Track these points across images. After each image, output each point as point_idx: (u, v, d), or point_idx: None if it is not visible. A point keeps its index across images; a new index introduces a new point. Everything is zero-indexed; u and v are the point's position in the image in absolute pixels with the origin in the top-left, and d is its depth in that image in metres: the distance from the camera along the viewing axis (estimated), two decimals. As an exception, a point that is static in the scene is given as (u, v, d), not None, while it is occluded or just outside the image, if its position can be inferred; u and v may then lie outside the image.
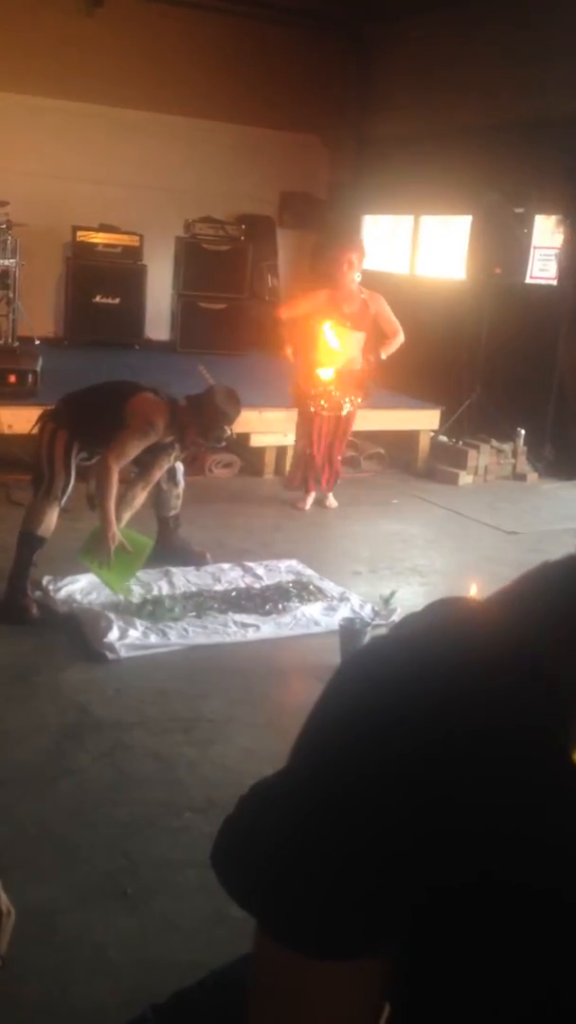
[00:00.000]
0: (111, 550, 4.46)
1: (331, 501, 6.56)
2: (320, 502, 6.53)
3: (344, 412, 6.34)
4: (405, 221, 10.25)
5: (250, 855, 0.62)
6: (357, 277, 6.13)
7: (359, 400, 6.37)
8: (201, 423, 4.64)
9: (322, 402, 6.26)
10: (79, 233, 9.59)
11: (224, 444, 5.24)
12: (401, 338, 6.30)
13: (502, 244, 7.72)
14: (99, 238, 9.66)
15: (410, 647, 0.59)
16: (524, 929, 0.53)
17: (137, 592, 4.71)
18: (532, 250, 7.67)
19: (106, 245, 9.69)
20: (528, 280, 7.91)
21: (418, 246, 10.04)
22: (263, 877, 0.60)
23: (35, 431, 4.74)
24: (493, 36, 8.63)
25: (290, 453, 7.31)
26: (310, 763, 0.59)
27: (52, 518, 4.57)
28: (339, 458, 6.51)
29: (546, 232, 7.53)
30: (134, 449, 4.47)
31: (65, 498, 4.62)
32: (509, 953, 0.54)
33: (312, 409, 6.30)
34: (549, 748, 0.52)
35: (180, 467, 5.20)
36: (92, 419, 4.55)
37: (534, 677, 0.53)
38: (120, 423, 4.47)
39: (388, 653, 0.60)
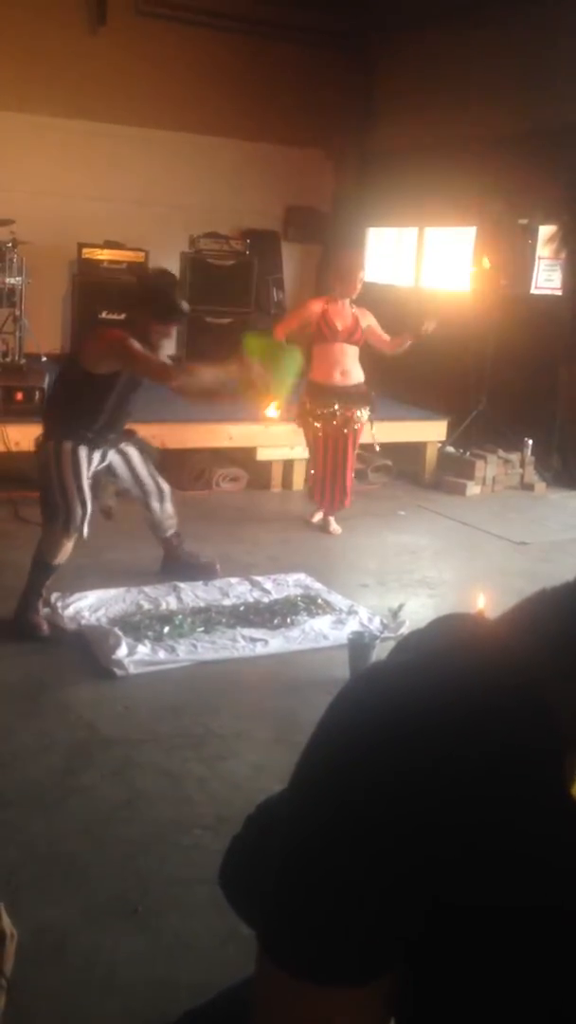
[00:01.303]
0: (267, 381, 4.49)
1: (334, 527, 6.33)
2: (323, 528, 6.35)
3: (346, 430, 6.16)
4: (410, 233, 10.26)
5: (254, 877, 0.62)
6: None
7: (364, 416, 6.20)
8: (152, 312, 4.46)
9: (324, 422, 6.12)
10: (84, 250, 9.63)
11: (182, 316, 4.85)
12: (400, 338, 6.16)
13: (507, 255, 7.73)
14: (104, 255, 9.69)
15: (410, 674, 0.59)
16: (524, 949, 0.53)
17: (145, 608, 4.71)
18: (537, 261, 7.68)
19: (111, 262, 9.72)
20: (533, 291, 7.91)
21: (423, 258, 10.05)
22: (265, 901, 0.60)
23: (36, 456, 4.64)
24: (495, 48, 8.67)
25: (298, 467, 7.32)
26: (308, 788, 0.59)
27: (69, 548, 4.54)
28: (344, 480, 6.23)
29: (549, 243, 7.53)
30: (142, 352, 4.32)
31: (86, 529, 4.52)
32: (510, 973, 0.54)
33: (317, 426, 6.15)
34: (548, 777, 0.51)
35: (167, 488, 5.10)
36: (78, 399, 4.42)
37: (534, 706, 0.52)
38: (102, 380, 4.37)
39: (388, 680, 0.60)
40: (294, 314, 6.37)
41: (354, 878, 0.55)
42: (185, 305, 4.72)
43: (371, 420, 6.24)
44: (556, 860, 0.52)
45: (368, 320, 6.10)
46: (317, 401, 6.11)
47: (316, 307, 6.09)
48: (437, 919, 0.55)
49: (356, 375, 6.14)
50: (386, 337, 6.15)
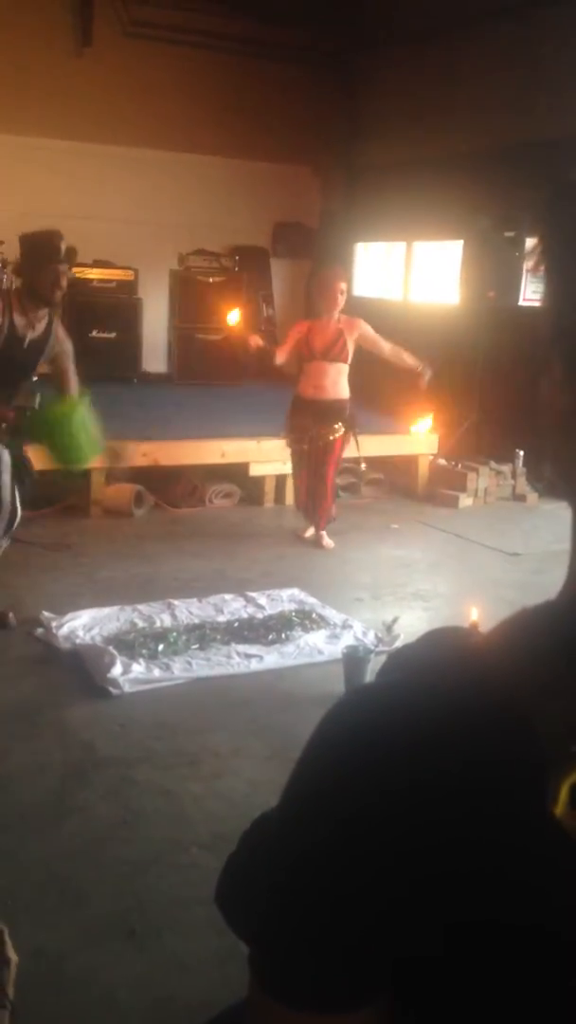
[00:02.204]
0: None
1: (327, 541, 6.30)
2: (316, 542, 6.33)
3: (323, 443, 6.14)
4: (398, 248, 10.31)
5: (248, 897, 0.61)
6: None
7: (341, 431, 6.16)
8: (31, 260, 4.39)
9: (300, 434, 6.17)
10: (73, 269, 9.65)
11: (58, 255, 4.66)
12: (404, 354, 6.20)
13: (494, 268, 7.77)
14: (94, 274, 9.73)
15: (396, 694, 0.59)
16: (516, 968, 0.53)
17: (140, 626, 4.70)
18: (524, 273, 7.72)
19: (101, 280, 9.75)
20: (521, 303, 7.95)
21: (411, 272, 10.10)
22: (253, 925, 0.60)
23: None
24: (479, 63, 8.74)
25: (291, 482, 7.32)
26: (296, 808, 0.59)
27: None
28: (325, 491, 6.22)
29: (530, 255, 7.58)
30: None
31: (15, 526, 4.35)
32: (505, 992, 0.53)
33: (296, 439, 6.22)
34: (531, 795, 0.51)
35: (19, 517, 4.60)
36: None
37: (518, 725, 0.53)
38: None
39: (374, 700, 0.60)
40: (288, 337, 6.34)
41: (342, 900, 0.55)
42: (63, 245, 4.54)
43: (353, 435, 6.21)
44: (538, 879, 0.52)
45: (359, 330, 6.07)
46: (295, 416, 6.20)
47: (302, 328, 6.16)
48: (426, 940, 0.54)
49: (333, 391, 6.11)
50: (385, 346, 6.15)
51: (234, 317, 6.11)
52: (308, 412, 6.13)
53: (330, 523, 6.38)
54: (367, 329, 6.11)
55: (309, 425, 6.12)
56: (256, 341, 6.32)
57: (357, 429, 6.27)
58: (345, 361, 6.08)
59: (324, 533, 6.33)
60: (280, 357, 6.19)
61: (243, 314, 5.86)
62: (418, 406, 6.29)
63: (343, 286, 6.05)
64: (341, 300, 6.00)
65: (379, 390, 7.78)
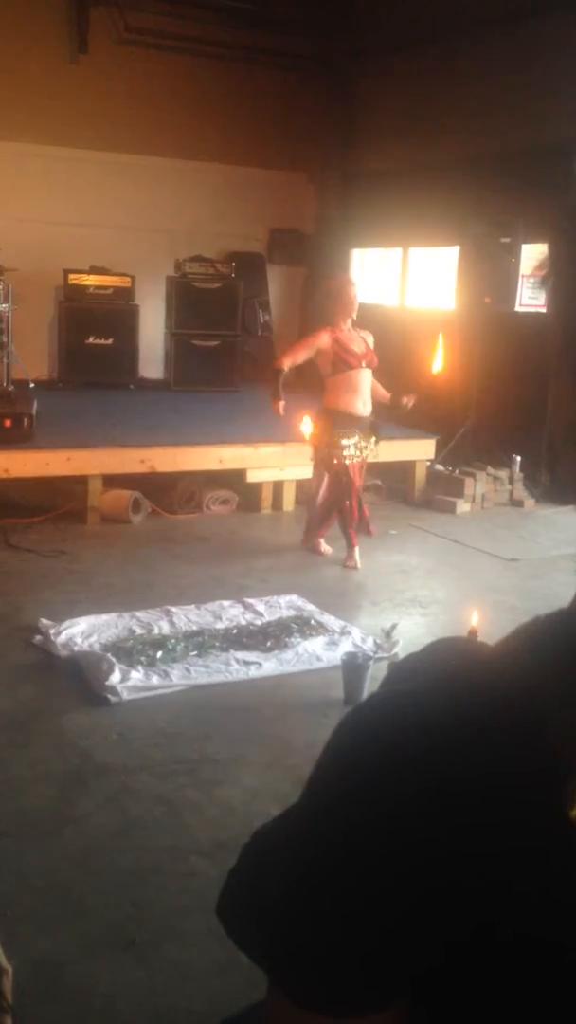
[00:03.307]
0: None
1: (356, 560, 6.02)
2: (342, 561, 6.04)
3: (357, 460, 5.94)
4: (394, 254, 10.33)
5: (254, 910, 0.61)
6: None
7: (371, 446, 5.97)
8: None
9: (345, 453, 5.85)
10: (70, 276, 9.67)
11: None
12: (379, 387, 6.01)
13: (490, 274, 7.78)
14: (90, 280, 9.73)
15: (411, 702, 0.59)
16: (532, 980, 0.53)
17: (138, 633, 4.69)
18: (520, 279, 7.73)
19: (97, 287, 9.76)
20: (517, 308, 7.96)
21: (407, 278, 10.12)
22: (269, 934, 0.60)
23: None
24: (474, 70, 8.76)
25: (288, 488, 7.31)
26: (313, 818, 0.59)
27: None
28: (349, 505, 5.99)
29: (533, 261, 7.59)
30: None
31: None
32: (519, 1004, 0.53)
33: (335, 460, 5.88)
34: (548, 803, 0.51)
35: None
36: None
37: (533, 733, 0.52)
38: None
39: (389, 709, 0.60)
40: (301, 345, 6.05)
41: (360, 906, 0.55)
42: None
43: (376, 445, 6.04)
44: (558, 887, 0.52)
45: (371, 340, 5.96)
46: (337, 432, 5.83)
47: (325, 338, 5.81)
48: (445, 946, 0.54)
49: (371, 404, 5.96)
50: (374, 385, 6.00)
51: (307, 428, 5.89)
52: (355, 427, 5.85)
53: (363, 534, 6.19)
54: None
55: (356, 441, 5.86)
56: (282, 410, 5.95)
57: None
58: (375, 367, 5.93)
59: (356, 551, 6.03)
60: (288, 362, 5.92)
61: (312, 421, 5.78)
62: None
63: (354, 291, 5.86)
64: (355, 305, 5.81)
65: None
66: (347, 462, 5.90)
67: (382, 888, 0.55)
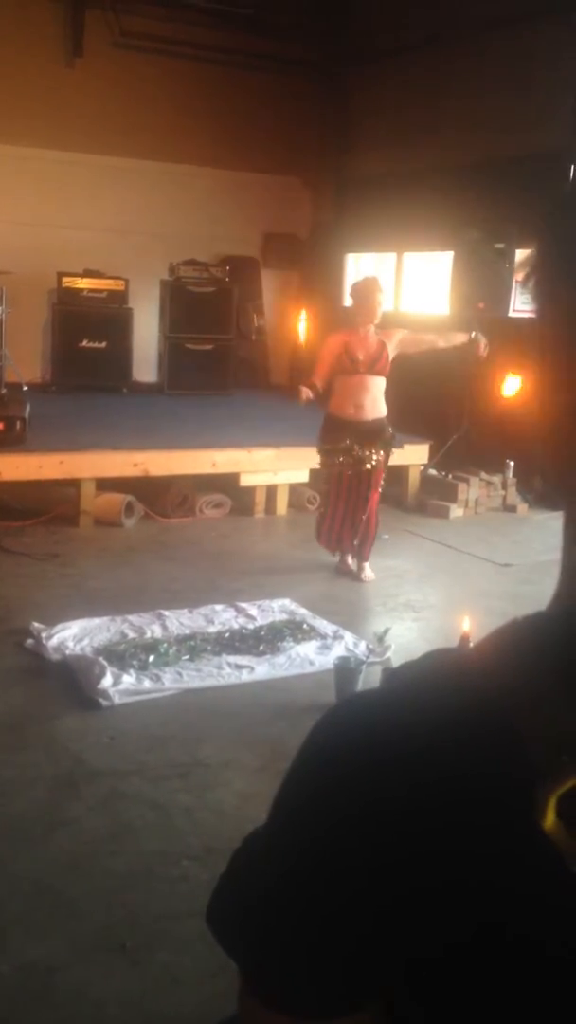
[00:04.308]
0: None
1: (367, 574, 5.90)
2: (356, 575, 5.88)
3: (368, 466, 5.76)
4: (388, 259, 10.35)
5: (239, 915, 0.61)
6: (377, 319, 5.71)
7: (381, 453, 5.80)
8: None
9: (340, 458, 5.74)
10: (64, 279, 9.67)
11: None
12: (452, 335, 6.06)
13: (484, 279, 7.80)
14: (84, 283, 9.73)
15: (383, 703, 0.59)
16: (507, 982, 0.53)
17: (130, 637, 4.68)
18: (514, 284, 7.75)
19: (91, 290, 9.76)
20: (511, 313, 7.98)
21: (401, 283, 10.13)
22: (245, 934, 0.60)
23: None
24: (467, 75, 8.79)
25: (281, 492, 7.32)
26: (284, 818, 0.60)
27: None
28: (370, 519, 5.83)
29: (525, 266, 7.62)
30: None
31: None
32: (495, 1006, 0.53)
33: (336, 464, 5.77)
34: (517, 806, 0.51)
35: None
36: None
37: (505, 735, 0.52)
38: None
39: (362, 709, 0.60)
40: (321, 358, 5.83)
41: (332, 909, 0.56)
42: None
43: (386, 456, 5.85)
44: (525, 891, 0.52)
45: (398, 336, 5.77)
46: (330, 436, 5.79)
47: (337, 341, 5.72)
48: (415, 951, 0.55)
49: (374, 410, 5.74)
50: (429, 336, 5.98)
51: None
52: (348, 434, 5.70)
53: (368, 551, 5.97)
54: (406, 333, 5.85)
55: (352, 448, 5.71)
56: (308, 395, 5.76)
57: (394, 446, 5.95)
58: (386, 375, 5.73)
59: (367, 565, 5.92)
60: (321, 383, 5.74)
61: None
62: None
63: (381, 296, 5.71)
64: (378, 312, 5.67)
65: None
66: (341, 470, 5.77)
67: (348, 894, 0.55)
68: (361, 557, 5.92)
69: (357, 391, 5.71)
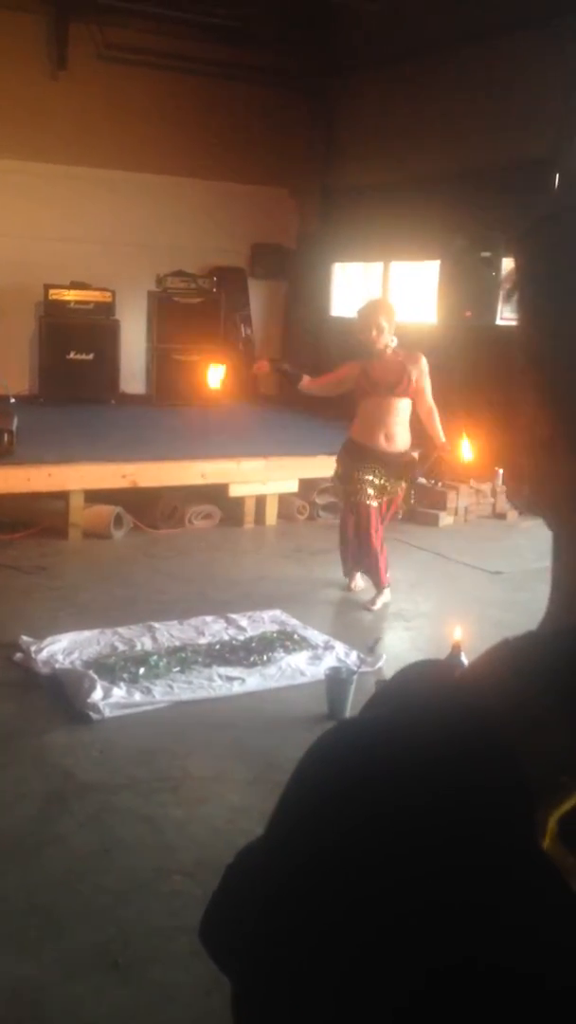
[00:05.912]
0: None
1: (356, 583, 5.79)
2: (369, 603, 5.59)
3: (385, 498, 5.53)
4: (375, 268, 10.37)
5: (232, 933, 0.60)
6: (392, 341, 5.28)
7: (403, 485, 5.56)
8: None
9: (369, 490, 5.42)
10: (51, 291, 9.66)
11: None
12: (437, 422, 5.46)
13: (471, 288, 7.82)
14: (71, 295, 9.72)
15: (378, 726, 0.58)
16: (505, 1015, 0.51)
17: (120, 649, 4.65)
18: (501, 292, 7.77)
19: (78, 302, 9.75)
20: (498, 322, 8.00)
21: (389, 292, 10.16)
22: (239, 954, 0.59)
23: None
24: (453, 85, 8.83)
25: (271, 503, 7.30)
26: (277, 838, 0.59)
27: None
28: (380, 544, 5.53)
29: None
30: None
31: None
32: None
33: (355, 493, 5.46)
34: (514, 827, 0.50)
35: None
36: None
37: (501, 757, 0.51)
38: None
39: (356, 732, 0.59)
40: (330, 374, 5.65)
41: (323, 934, 0.54)
42: None
43: (412, 490, 5.66)
44: (523, 915, 0.50)
45: (418, 371, 5.33)
46: (355, 465, 5.45)
47: (354, 366, 5.42)
48: (410, 974, 0.53)
49: (402, 439, 5.44)
50: (427, 403, 5.41)
51: (216, 377, 5.47)
52: (374, 462, 5.41)
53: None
54: (423, 372, 5.35)
55: (374, 479, 5.42)
56: (262, 367, 5.61)
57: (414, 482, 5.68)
58: (412, 397, 5.36)
59: (359, 575, 5.77)
60: (312, 383, 5.49)
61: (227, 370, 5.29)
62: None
63: (381, 323, 5.25)
64: (379, 339, 5.23)
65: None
66: (365, 500, 5.42)
67: (344, 912, 0.54)
68: (379, 583, 5.59)
69: (382, 415, 5.36)
